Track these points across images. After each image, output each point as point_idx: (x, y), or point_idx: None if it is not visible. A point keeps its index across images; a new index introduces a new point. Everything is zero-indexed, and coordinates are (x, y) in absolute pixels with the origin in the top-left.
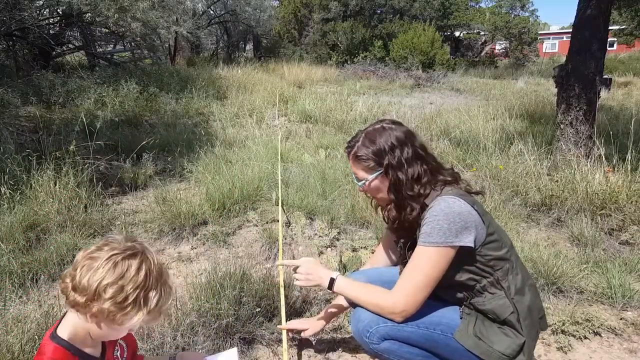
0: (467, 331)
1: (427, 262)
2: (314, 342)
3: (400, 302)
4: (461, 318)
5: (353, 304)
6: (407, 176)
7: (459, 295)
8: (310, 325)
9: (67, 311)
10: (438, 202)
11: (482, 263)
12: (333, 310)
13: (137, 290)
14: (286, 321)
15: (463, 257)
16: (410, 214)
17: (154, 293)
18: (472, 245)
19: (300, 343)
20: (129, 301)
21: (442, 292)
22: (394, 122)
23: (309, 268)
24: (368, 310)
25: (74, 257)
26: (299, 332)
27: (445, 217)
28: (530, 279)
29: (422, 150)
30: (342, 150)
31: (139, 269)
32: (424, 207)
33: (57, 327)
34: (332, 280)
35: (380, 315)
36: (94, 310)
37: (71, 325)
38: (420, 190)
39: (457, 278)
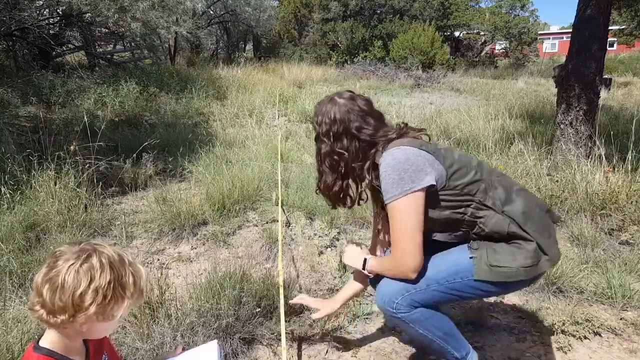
0: (483, 267)
1: (401, 214)
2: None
3: (402, 259)
4: (471, 258)
5: (373, 283)
6: (331, 149)
7: (457, 233)
8: (322, 306)
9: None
10: (383, 159)
11: (457, 194)
12: (347, 293)
13: (112, 284)
14: (286, 321)
15: (434, 196)
16: (338, 186)
17: (126, 277)
18: (434, 183)
19: (300, 339)
20: (109, 297)
21: (442, 237)
22: (339, 96)
23: (353, 251)
24: (395, 280)
25: None
26: (309, 309)
27: (393, 169)
28: (514, 185)
29: (361, 120)
30: None
31: (101, 265)
32: (375, 170)
33: (40, 339)
34: (365, 261)
35: (403, 281)
36: (82, 320)
37: (55, 336)
38: (351, 164)
39: (442, 217)
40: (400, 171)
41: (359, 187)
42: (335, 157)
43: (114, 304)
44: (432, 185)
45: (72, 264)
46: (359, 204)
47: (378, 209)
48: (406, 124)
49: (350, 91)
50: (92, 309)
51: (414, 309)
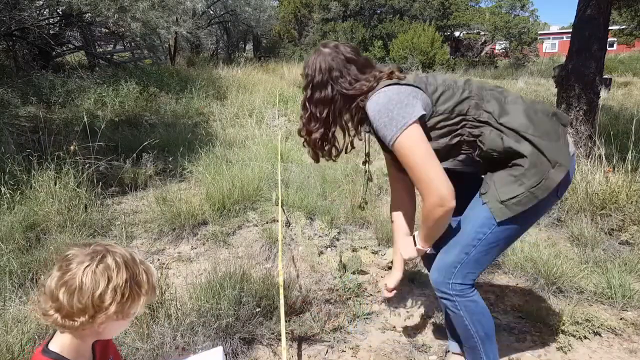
0: (498, 207)
1: (408, 150)
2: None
3: (429, 190)
4: (484, 204)
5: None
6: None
7: (460, 158)
8: (388, 280)
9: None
10: (369, 108)
11: (447, 118)
12: (397, 257)
13: (128, 282)
14: (286, 321)
15: (428, 127)
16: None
17: (140, 275)
18: (424, 112)
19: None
20: (127, 295)
21: (448, 164)
22: (324, 46)
23: (403, 245)
24: (442, 259)
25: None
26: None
27: (380, 113)
28: (508, 96)
29: (344, 69)
30: None
31: (117, 264)
32: (363, 117)
33: (49, 342)
34: (414, 240)
35: (439, 219)
36: (101, 319)
37: (67, 339)
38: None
39: (442, 146)
40: (388, 112)
41: (346, 137)
42: (320, 105)
43: (132, 302)
44: (423, 115)
45: (88, 265)
46: (346, 152)
47: (388, 159)
48: (392, 71)
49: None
50: (113, 308)
51: (469, 287)
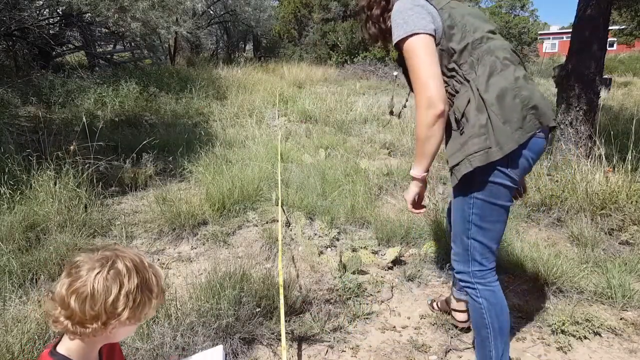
0: (453, 180)
1: (413, 52)
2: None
3: (421, 92)
4: (455, 183)
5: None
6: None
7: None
8: (406, 196)
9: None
10: (394, 6)
11: (446, 57)
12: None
13: (139, 287)
14: (286, 321)
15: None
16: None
17: (151, 279)
18: (432, 33)
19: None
20: (139, 300)
21: None
22: None
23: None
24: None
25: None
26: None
27: (399, 13)
28: (508, 68)
29: None
30: (342, 150)
31: (128, 269)
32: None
33: (57, 344)
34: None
35: (429, 125)
36: (114, 325)
37: (75, 344)
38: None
39: None
40: (405, 16)
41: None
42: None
43: (144, 306)
44: (434, 34)
45: (98, 272)
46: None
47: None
48: None
49: None
50: (125, 314)
51: (489, 271)
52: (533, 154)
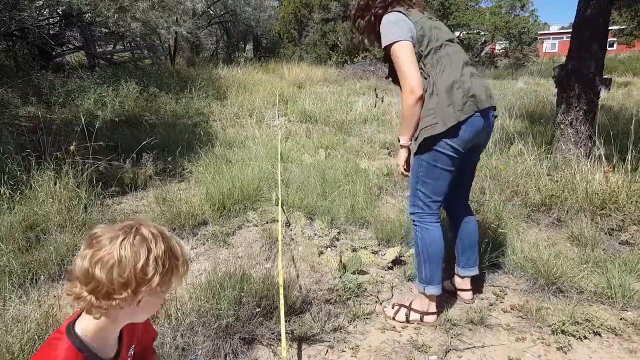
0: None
1: (397, 54)
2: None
3: (405, 83)
4: (414, 142)
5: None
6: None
7: None
8: (398, 161)
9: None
10: (384, 18)
11: (419, 58)
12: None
13: (166, 252)
14: (286, 321)
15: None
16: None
17: (175, 246)
18: (411, 40)
19: (300, 341)
20: (167, 265)
21: None
22: None
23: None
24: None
25: (74, 256)
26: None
27: (386, 25)
28: (457, 64)
29: None
30: (342, 150)
31: (154, 235)
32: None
33: (77, 319)
34: (400, 141)
35: (410, 105)
36: (143, 294)
37: (93, 324)
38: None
39: None
40: (390, 27)
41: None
42: (360, 11)
43: (171, 273)
44: (412, 41)
45: (124, 238)
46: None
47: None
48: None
49: None
50: (156, 279)
51: (429, 215)
52: (472, 128)
